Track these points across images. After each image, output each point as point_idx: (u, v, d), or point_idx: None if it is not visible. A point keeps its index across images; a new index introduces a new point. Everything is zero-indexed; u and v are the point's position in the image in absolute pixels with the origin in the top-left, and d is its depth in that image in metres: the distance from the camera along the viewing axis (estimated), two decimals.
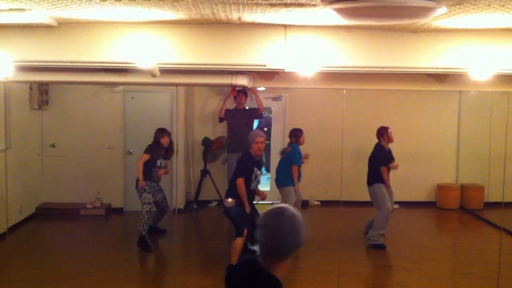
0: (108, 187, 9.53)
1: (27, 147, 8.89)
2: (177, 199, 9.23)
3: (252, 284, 2.40)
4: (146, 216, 7.38)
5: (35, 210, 9.15)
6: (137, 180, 7.48)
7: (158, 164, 7.60)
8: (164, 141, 7.60)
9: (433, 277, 6.57)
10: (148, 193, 7.49)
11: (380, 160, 7.65)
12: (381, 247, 7.50)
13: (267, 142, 8.09)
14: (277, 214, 2.37)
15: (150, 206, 7.45)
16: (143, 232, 7.37)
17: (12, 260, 6.62)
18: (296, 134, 7.95)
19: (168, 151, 7.77)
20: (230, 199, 6.39)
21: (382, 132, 7.73)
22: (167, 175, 8.19)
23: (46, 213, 9.17)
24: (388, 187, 7.68)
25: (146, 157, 7.49)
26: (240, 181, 6.31)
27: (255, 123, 10.02)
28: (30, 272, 6.46)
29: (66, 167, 9.47)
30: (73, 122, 9.46)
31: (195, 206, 9.74)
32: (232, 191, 6.48)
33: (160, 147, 7.62)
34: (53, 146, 9.44)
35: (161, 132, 7.63)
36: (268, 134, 9.95)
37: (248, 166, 6.39)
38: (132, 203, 9.17)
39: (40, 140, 9.39)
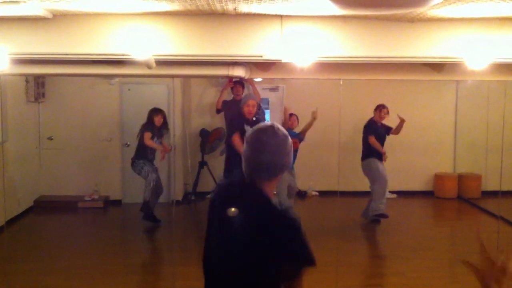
0: (106, 179, 9.52)
1: (24, 140, 8.87)
2: (175, 190, 9.23)
3: (246, 200, 2.29)
4: (152, 183, 7.69)
5: (33, 203, 9.15)
6: (132, 159, 7.91)
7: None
8: (157, 120, 7.79)
9: (431, 266, 6.59)
10: (148, 170, 7.78)
11: (367, 132, 8.02)
12: (384, 216, 7.78)
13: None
14: (265, 130, 2.29)
15: (155, 176, 7.72)
16: (147, 198, 7.68)
17: (10, 253, 6.63)
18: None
19: (161, 130, 7.94)
20: (233, 209, 6.31)
21: (376, 108, 8.21)
22: (164, 161, 8.41)
23: (44, 206, 9.17)
24: (383, 153, 7.92)
25: (149, 134, 7.71)
26: (236, 137, 6.34)
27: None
28: (28, 265, 6.46)
29: (63, 160, 9.46)
30: (70, 115, 9.43)
31: (193, 198, 9.74)
32: (228, 166, 6.53)
33: (153, 126, 7.80)
34: (50, 138, 9.43)
35: (154, 111, 7.84)
36: None
37: (239, 124, 6.40)
38: (130, 195, 9.18)
39: (37, 133, 9.38)
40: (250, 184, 2.30)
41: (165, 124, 7.96)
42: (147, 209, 7.72)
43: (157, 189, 7.96)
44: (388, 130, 8.32)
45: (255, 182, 2.29)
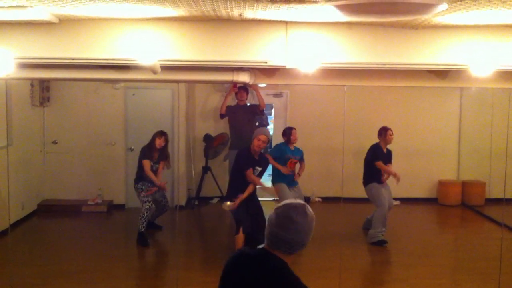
0: (110, 184, 9.54)
1: (28, 144, 8.89)
2: (179, 195, 9.24)
3: (261, 266, 2.42)
4: (145, 214, 7.41)
5: (36, 207, 9.16)
6: (135, 180, 7.72)
7: (151, 167, 7.65)
8: (158, 142, 7.58)
9: (435, 273, 6.58)
10: (145, 197, 7.54)
11: (372, 157, 7.79)
12: (381, 243, 7.50)
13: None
14: (296, 209, 2.41)
15: (149, 204, 7.46)
16: (142, 229, 7.41)
17: (14, 256, 6.64)
18: (284, 133, 7.90)
19: (161, 153, 7.70)
20: (228, 203, 6.39)
21: (381, 132, 7.84)
22: (168, 170, 8.33)
23: (48, 210, 9.19)
24: (382, 182, 7.79)
25: (147, 163, 7.58)
26: (249, 172, 6.41)
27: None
28: (32, 268, 6.47)
29: (67, 164, 9.48)
30: (75, 119, 9.46)
31: (196, 203, 9.74)
32: (232, 189, 6.50)
33: (152, 149, 7.61)
34: (54, 143, 9.45)
35: (157, 133, 7.64)
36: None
37: (246, 161, 6.44)
38: (134, 199, 9.16)
39: (42, 137, 9.40)
40: (268, 251, 2.45)
41: (165, 146, 7.71)
42: (142, 241, 7.38)
43: (161, 208, 7.90)
44: (390, 156, 7.99)
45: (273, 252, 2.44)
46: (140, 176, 7.64)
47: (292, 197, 7.02)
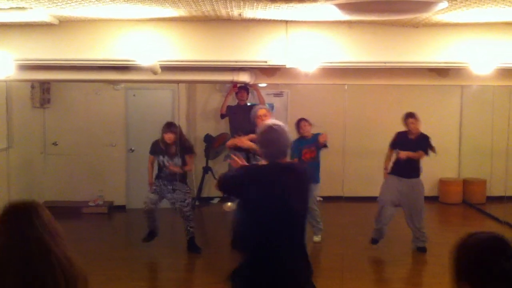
0: (111, 185, 9.53)
1: (29, 146, 8.89)
2: None
3: (282, 169, 3.36)
4: (145, 215, 7.12)
5: None
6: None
7: (160, 162, 7.09)
8: (167, 137, 6.97)
9: (436, 272, 6.57)
10: (152, 192, 7.14)
11: (390, 145, 7.32)
12: (372, 242, 7.26)
13: None
14: (272, 129, 3.33)
15: (144, 205, 7.07)
16: (148, 227, 7.19)
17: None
18: (296, 125, 7.51)
19: (171, 148, 7.05)
20: (230, 203, 6.35)
21: (403, 119, 7.27)
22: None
23: (49, 211, 9.16)
24: (385, 169, 7.28)
25: (150, 158, 7.26)
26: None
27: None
28: None
29: (68, 165, 9.47)
30: (75, 120, 9.45)
31: (197, 203, 9.74)
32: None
33: (159, 144, 7.10)
34: (55, 144, 9.45)
35: (165, 127, 7.05)
36: None
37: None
38: (135, 200, 9.17)
39: (42, 138, 9.40)
40: (275, 162, 3.34)
41: (178, 140, 7.03)
42: (148, 237, 7.17)
43: (179, 211, 7.19)
44: (421, 142, 7.28)
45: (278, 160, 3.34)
46: (158, 168, 7.19)
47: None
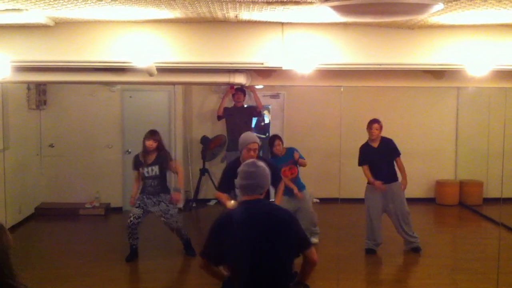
0: (107, 187, 9.52)
1: (25, 147, 8.88)
2: None
3: (264, 208, 3.42)
4: (128, 230, 6.88)
5: (34, 210, 9.15)
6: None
7: (146, 173, 6.89)
8: (149, 143, 6.82)
9: (432, 274, 6.58)
10: (137, 207, 6.92)
11: (359, 163, 7.29)
12: (368, 252, 7.21)
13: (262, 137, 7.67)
14: (253, 164, 3.43)
15: (128, 220, 6.83)
16: (131, 244, 6.94)
17: (11, 260, 6.60)
18: (270, 143, 7.23)
19: (150, 156, 6.90)
20: (232, 201, 6.25)
21: (366, 127, 7.21)
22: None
23: (45, 213, 9.17)
24: (372, 183, 7.10)
25: (136, 173, 7.05)
26: (218, 195, 5.75)
27: (253, 120, 9.99)
28: (29, 272, 6.44)
29: (64, 167, 9.46)
30: (71, 122, 9.44)
31: (194, 205, 9.74)
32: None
33: (139, 157, 6.98)
34: (51, 146, 9.43)
35: (148, 134, 6.89)
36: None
37: (230, 177, 5.38)
38: None
39: (39, 140, 9.39)
40: (250, 199, 3.38)
41: (159, 148, 6.92)
42: (131, 256, 6.91)
43: (166, 224, 7.06)
44: (386, 148, 7.22)
45: (254, 197, 3.37)
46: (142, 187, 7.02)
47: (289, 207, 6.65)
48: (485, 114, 9.64)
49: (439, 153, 10.49)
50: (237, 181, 3.46)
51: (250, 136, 5.51)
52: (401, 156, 7.30)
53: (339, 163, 7.37)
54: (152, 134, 6.89)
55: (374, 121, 7.16)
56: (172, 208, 7.00)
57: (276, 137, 7.28)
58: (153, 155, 6.93)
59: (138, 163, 7.00)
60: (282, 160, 7.06)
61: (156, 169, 6.92)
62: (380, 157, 7.17)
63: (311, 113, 10.10)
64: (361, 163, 7.23)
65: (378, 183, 7.02)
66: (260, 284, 3.27)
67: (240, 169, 3.46)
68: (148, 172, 6.92)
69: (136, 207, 6.92)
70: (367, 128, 7.19)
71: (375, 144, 7.21)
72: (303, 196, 7.17)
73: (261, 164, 3.46)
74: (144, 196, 6.95)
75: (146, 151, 6.90)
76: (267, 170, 3.45)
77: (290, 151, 7.17)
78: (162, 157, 6.98)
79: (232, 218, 3.38)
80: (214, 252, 3.32)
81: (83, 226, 8.91)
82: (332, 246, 7.19)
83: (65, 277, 6.32)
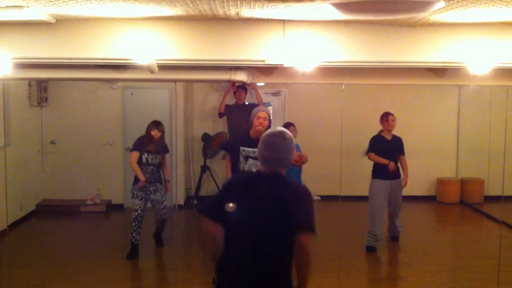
0: (108, 184, 9.53)
1: (26, 144, 8.88)
2: (177, 195, 9.23)
3: (271, 182, 3.07)
4: (133, 224, 6.90)
5: (35, 207, 9.16)
6: (134, 181, 7.03)
7: (144, 160, 6.95)
8: (154, 134, 6.93)
9: (434, 271, 6.58)
10: (135, 198, 6.94)
11: (367, 151, 7.37)
12: (369, 250, 7.24)
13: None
14: (280, 135, 3.10)
15: (136, 214, 6.89)
16: (133, 240, 6.95)
17: (12, 257, 6.63)
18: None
19: (153, 146, 6.99)
20: (231, 204, 6.21)
21: (382, 118, 7.37)
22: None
23: (47, 210, 9.18)
24: (386, 164, 7.14)
25: (135, 155, 6.94)
26: (227, 162, 5.83)
27: None
28: (30, 269, 6.46)
29: (66, 164, 9.47)
30: (73, 119, 9.45)
31: (195, 202, 9.74)
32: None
33: (147, 140, 6.98)
34: (53, 143, 9.44)
35: (152, 124, 6.99)
36: None
37: (235, 145, 5.66)
38: None
39: (40, 137, 9.40)
40: (269, 173, 3.08)
41: (161, 138, 7.06)
42: (132, 254, 6.92)
43: (156, 214, 7.18)
44: (398, 144, 7.43)
45: (274, 171, 3.08)
46: (135, 178, 7.03)
47: None
48: (487, 112, 9.63)
49: (440, 151, 10.48)
50: (258, 151, 3.11)
51: (260, 107, 5.92)
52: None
53: (340, 161, 7.37)
54: (158, 124, 7.02)
55: (388, 113, 7.34)
56: (164, 199, 7.15)
57: (290, 123, 7.51)
58: (157, 144, 7.04)
59: (139, 146, 7.00)
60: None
61: (159, 158, 7.07)
62: (390, 150, 7.28)
63: (312, 110, 10.10)
64: (370, 150, 7.31)
65: (391, 163, 7.15)
66: (251, 261, 2.96)
67: (264, 138, 3.11)
68: (152, 159, 7.00)
69: (138, 200, 6.95)
70: (381, 120, 7.33)
71: (388, 137, 7.35)
72: None
73: (289, 135, 3.13)
74: (143, 188, 6.97)
75: (150, 139, 6.98)
76: (293, 143, 3.13)
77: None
78: (165, 147, 7.19)
79: (244, 184, 3.17)
80: (215, 208, 3.14)
81: (84, 223, 8.92)
82: (333, 244, 7.18)
83: (66, 275, 6.32)
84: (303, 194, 3.12)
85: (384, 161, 7.17)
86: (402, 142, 7.45)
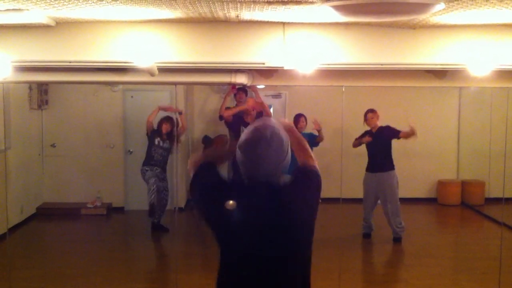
0: (109, 186, 9.52)
1: (27, 147, 8.88)
2: (178, 197, 9.21)
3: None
4: (153, 187, 7.60)
5: (36, 210, 9.15)
6: (143, 162, 7.95)
7: (156, 142, 7.87)
8: (164, 128, 7.93)
9: (434, 274, 6.57)
10: (154, 183, 7.67)
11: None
12: (365, 236, 7.79)
13: None
14: (262, 138, 2.29)
15: (154, 186, 7.60)
16: (154, 219, 7.75)
17: (13, 260, 6.63)
18: (294, 121, 7.93)
19: (168, 137, 8.01)
20: (231, 202, 6.23)
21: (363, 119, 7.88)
22: (167, 173, 8.28)
23: (47, 213, 9.17)
24: (363, 139, 7.76)
25: (155, 112, 7.90)
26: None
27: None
28: (31, 272, 6.46)
29: (66, 167, 9.47)
30: (73, 122, 9.45)
31: None
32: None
33: (160, 132, 7.95)
34: (53, 146, 9.44)
35: (164, 119, 7.98)
36: None
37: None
38: (133, 202, 9.17)
39: (40, 140, 9.40)
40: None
41: (171, 131, 8.02)
42: (153, 214, 7.69)
43: (160, 200, 7.90)
44: (384, 132, 7.79)
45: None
46: (147, 158, 7.87)
47: None
48: (487, 114, 9.62)
49: (441, 153, 10.47)
50: (240, 165, 2.36)
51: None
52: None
53: (341, 163, 7.36)
54: (169, 119, 8.01)
55: (368, 111, 7.86)
56: (167, 189, 8.10)
57: (300, 114, 8.11)
58: (165, 137, 8.03)
59: (157, 132, 8.00)
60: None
61: (169, 143, 8.00)
62: (376, 141, 7.68)
63: (313, 112, 10.04)
64: (356, 140, 7.87)
65: (366, 137, 7.73)
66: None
67: (242, 146, 2.31)
68: (165, 143, 7.97)
69: (154, 183, 7.64)
70: (364, 121, 7.85)
71: (374, 130, 7.79)
72: None
73: (276, 134, 2.29)
74: (154, 169, 7.84)
75: (161, 131, 7.97)
76: (284, 142, 2.34)
77: (312, 136, 7.91)
78: (171, 137, 8.06)
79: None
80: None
81: (84, 226, 8.92)
82: (333, 246, 7.17)
83: (67, 277, 6.32)
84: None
85: (363, 139, 7.78)
86: (389, 128, 7.74)
